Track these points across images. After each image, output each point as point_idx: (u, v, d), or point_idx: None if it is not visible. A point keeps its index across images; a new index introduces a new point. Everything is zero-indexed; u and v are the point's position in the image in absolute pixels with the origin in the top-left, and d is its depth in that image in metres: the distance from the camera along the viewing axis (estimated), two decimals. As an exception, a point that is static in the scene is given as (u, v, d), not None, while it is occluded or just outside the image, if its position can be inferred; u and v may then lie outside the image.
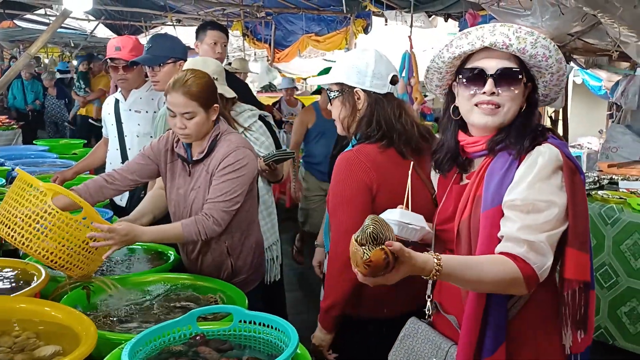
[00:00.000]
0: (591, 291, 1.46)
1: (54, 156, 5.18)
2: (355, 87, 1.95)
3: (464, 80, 1.51)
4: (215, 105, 2.24)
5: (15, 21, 11.00)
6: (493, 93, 1.46)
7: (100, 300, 2.00)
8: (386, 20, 6.73)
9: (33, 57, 4.01)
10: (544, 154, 1.42)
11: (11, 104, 10.40)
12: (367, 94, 1.94)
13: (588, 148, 8.83)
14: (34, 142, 6.33)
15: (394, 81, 1.96)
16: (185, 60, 2.97)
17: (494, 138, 1.50)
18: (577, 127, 9.69)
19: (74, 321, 1.63)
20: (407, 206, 1.60)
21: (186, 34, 9.04)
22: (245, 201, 2.27)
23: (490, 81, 1.46)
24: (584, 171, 6.74)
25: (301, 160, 4.92)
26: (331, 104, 2.02)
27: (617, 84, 5.97)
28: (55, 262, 1.93)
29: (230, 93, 2.70)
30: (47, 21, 10.71)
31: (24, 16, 10.45)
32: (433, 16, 6.36)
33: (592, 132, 9.31)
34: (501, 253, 1.39)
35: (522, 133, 1.47)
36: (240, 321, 1.65)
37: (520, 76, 1.46)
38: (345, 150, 1.98)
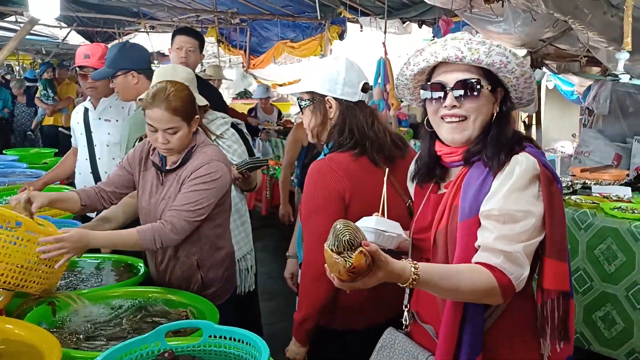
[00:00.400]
0: (571, 300, 1.45)
1: (24, 166, 5.06)
2: (326, 96, 1.92)
3: (427, 96, 1.52)
4: (197, 116, 2.22)
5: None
6: (454, 106, 1.47)
7: (66, 316, 1.94)
8: (361, 27, 6.75)
9: (1, 65, 3.90)
10: (521, 164, 1.42)
11: None
12: (338, 102, 1.92)
13: (562, 152, 8.94)
14: (3, 151, 6.19)
15: (365, 89, 1.95)
16: (140, 70, 2.95)
17: (470, 149, 1.50)
18: (551, 132, 9.81)
19: (37, 339, 1.58)
20: (382, 214, 1.58)
21: (160, 41, 8.96)
22: (216, 214, 2.24)
23: (450, 94, 1.47)
24: (558, 175, 6.83)
25: (294, 180, 4.78)
26: (302, 113, 1.99)
27: (589, 88, 6.05)
28: (9, 283, 1.86)
29: (202, 101, 2.66)
30: (18, 28, 10.51)
31: (-3, 24, 10.22)
32: (407, 22, 6.39)
33: (565, 137, 9.43)
34: (478, 263, 1.39)
35: (497, 145, 1.46)
36: (210, 336, 1.61)
37: (479, 86, 1.46)
38: (317, 159, 1.95)
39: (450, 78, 1.48)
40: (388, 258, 1.25)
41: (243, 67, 8.93)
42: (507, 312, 1.48)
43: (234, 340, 1.58)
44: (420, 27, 6.42)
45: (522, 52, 5.80)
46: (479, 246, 1.41)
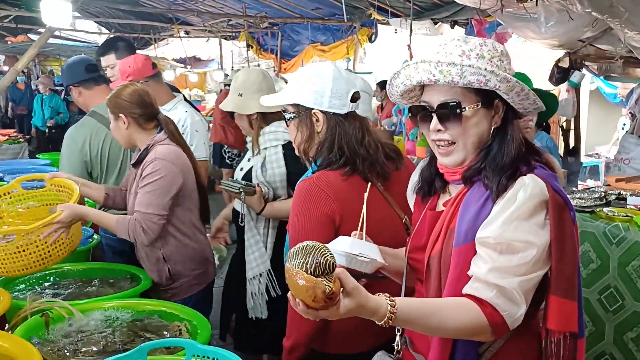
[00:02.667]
0: (579, 340, 1.29)
1: (55, 170, 5.16)
2: (313, 109, 1.79)
3: (414, 118, 1.41)
4: (121, 114, 2.40)
5: (29, 35, 11.09)
6: (440, 130, 1.34)
7: (59, 329, 1.90)
8: (395, 30, 6.60)
9: (20, 72, 3.99)
10: (527, 188, 1.27)
11: (33, 121, 10.18)
12: (326, 116, 1.79)
13: (606, 157, 8.57)
14: (37, 155, 6.34)
15: (354, 98, 1.80)
16: (77, 84, 3.04)
17: (470, 167, 1.36)
18: (595, 136, 9.45)
19: (20, 352, 1.54)
20: (361, 229, 1.45)
21: (194, 46, 9.06)
22: (175, 211, 2.38)
23: (434, 118, 1.35)
24: (600, 181, 6.46)
25: None
26: (287, 126, 1.87)
27: (632, 91, 5.75)
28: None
29: (260, 108, 2.52)
30: (59, 34, 10.81)
31: (37, 30, 10.52)
32: (439, 23, 6.21)
33: (610, 140, 9.05)
34: (467, 295, 1.25)
35: (497, 166, 1.31)
36: (194, 356, 1.56)
37: (458, 110, 1.32)
38: (305, 177, 1.83)
39: (434, 99, 1.35)
40: (360, 287, 1.14)
41: (274, 71, 8.90)
42: (507, 345, 1.33)
43: (217, 361, 1.52)
44: (452, 27, 6.23)
45: (560, 53, 5.55)
46: (471, 275, 1.27)
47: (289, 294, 1.15)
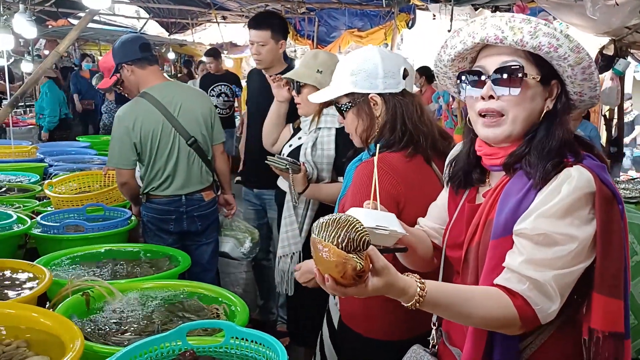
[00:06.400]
0: (625, 341, 1.21)
1: (94, 152, 5.27)
2: (369, 93, 1.77)
3: (464, 85, 1.31)
4: None
5: (69, 19, 11.28)
6: (491, 97, 1.26)
7: (99, 308, 1.93)
8: (434, 16, 6.48)
9: (61, 55, 4.03)
10: (572, 180, 1.19)
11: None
12: (383, 98, 1.76)
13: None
14: (77, 138, 6.46)
15: (405, 75, 1.78)
16: (130, 62, 2.96)
17: (513, 153, 1.28)
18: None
19: (61, 330, 1.58)
20: (374, 198, 1.32)
21: (231, 31, 9.09)
22: None
23: (488, 83, 1.26)
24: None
25: None
26: (343, 118, 1.85)
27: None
28: None
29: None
30: (99, 19, 10.98)
31: (77, 14, 10.68)
32: (480, 9, 6.07)
33: (654, 131, 8.76)
34: (498, 285, 1.20)
35: (543, 152, 1.23)
36: (232, 338, 1.57)
37: (520, 74, 1.23)
38: (359, 158, 1.81)
39: (490, 63, 1.27)
40: (390, 266, 1.10)
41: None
42: (549, 341, 1.27)
43: (255, 343, 1.53)
44: (493, 13, 6.08)
45: (605, 40, 5.38)
46: (504, 267, 1.22)
47: (314, 269, 1.09)
